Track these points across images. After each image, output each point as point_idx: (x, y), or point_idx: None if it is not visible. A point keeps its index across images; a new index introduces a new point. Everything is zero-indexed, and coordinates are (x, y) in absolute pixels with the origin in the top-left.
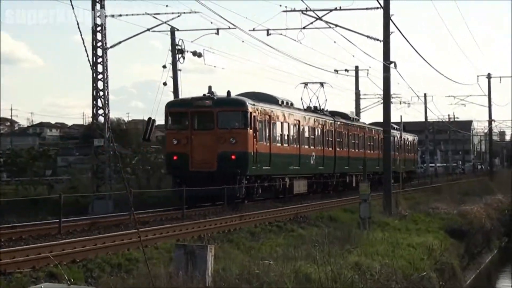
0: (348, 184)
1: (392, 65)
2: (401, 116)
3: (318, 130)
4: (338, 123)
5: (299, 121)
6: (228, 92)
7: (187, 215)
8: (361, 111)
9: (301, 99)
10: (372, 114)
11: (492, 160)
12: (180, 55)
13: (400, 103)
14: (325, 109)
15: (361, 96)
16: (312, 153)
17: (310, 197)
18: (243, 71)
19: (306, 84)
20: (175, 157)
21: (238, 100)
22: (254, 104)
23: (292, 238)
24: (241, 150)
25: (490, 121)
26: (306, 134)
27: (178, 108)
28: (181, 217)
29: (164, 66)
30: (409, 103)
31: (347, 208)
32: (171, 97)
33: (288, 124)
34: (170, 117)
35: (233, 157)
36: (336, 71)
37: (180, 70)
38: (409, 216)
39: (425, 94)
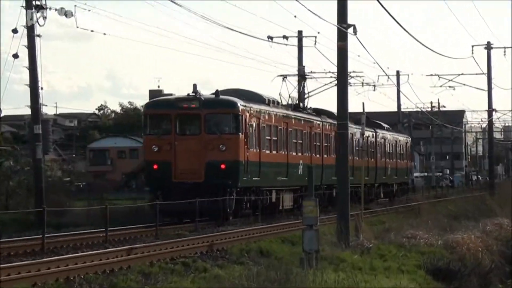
0: (334, 199)
1: (350, 30)
2: (363, 103)
3: (306, 133)
4: (326, 124)
5: (287, 123)
6: (217, 92)
7: (50, 248)
8: (306, 95)
9: (280, 94)
10: (322, 100)
11: (493, 167)
12: (39, 14)
13: (363, 85)
14: (308, 107)
15: (307, 74)
16: (300, 161)
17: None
18: (134, 38)
19: (285, 76)
20: (155, 166)
21: (229, 101)
22: (245, 105)
23: (205, 281)
24: (232, 159)
25: (490, 111)
26: (294, 139)
27: (159, 110)
28: (40, 251)
29: (15, 31)
30: (374, 85)
31: (286, 236)
32: (25, 76)
33: (277, 127)
34: (149, 120)
35: (222, 166)
36: (270, 38)
37: (39, 36)
38: (374, 249)
39: (397, 72)
